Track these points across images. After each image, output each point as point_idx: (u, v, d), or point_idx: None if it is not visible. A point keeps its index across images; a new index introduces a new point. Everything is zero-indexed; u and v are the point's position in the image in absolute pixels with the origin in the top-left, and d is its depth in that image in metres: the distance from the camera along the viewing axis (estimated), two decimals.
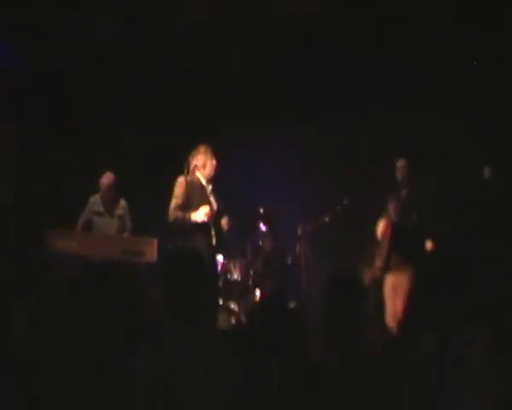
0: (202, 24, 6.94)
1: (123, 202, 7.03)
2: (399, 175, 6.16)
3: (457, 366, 2.54)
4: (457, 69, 6.92)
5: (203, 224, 5.77)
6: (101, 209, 6.96)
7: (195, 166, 5.98)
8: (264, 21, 6.87)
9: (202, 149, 6.00)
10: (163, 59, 7.31)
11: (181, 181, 5.90)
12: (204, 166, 5.98)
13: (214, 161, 5.99)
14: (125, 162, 7.75)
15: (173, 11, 6.84)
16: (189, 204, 5.86)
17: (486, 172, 6.26)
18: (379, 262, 6.11)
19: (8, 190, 8.13)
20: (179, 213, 5.81)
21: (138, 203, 7.38)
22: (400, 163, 6.17)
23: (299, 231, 6.56)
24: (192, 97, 7.66)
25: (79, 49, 7.04)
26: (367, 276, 6.56)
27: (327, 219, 6.59)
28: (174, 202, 5.86)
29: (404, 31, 6.66)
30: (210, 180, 6.04)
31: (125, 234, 6.99)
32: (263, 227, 6.56)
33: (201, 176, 6.02)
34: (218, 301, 6.00)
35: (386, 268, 5.99)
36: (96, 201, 7.01)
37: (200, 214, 5.77)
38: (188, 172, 5.86)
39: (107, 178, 6.90)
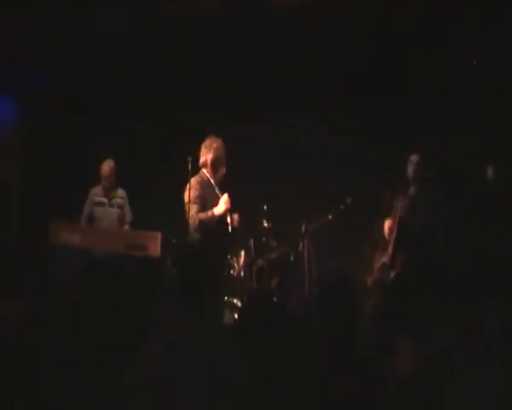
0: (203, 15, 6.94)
1: (122, 192, 7.13)
2: (411, 170, 6.12)
3: (454, 365, 2.53)
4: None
5: (223, 220, 5.80)
6: (102, 199, 7.05)
7: (204, 164, 5.96)
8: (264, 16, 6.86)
9: (216, 148, 5.94)
10: (165, 47, 7.31)
11: (194, 183, 5.84)
12: (214, 170, 5.95)
13: (224, 170, 5.99)
14: (130, 156, 7.77)
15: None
16: (205, 205, 5.86)
17: (492, 172, 6.25)
18: (385, 259, 6.10)
19: (10, 182, 8.16)
20: (202, 215, 5.77)
21: (142, 197, 7.41)
22: (414, 158, 6.14)
23: (303, 229, 6.55)
24: (196, 92, 7.67)
25: (79, 34, 7.06)
26: (369, 279, 6.55)
27: (330, 217, 6.59)
28: (194, 208, 5.78)
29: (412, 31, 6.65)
30: (218, 183, 6.05)
31: (126, 226, 7.04)
32: (266, 224, 6.54)
33: (209, 176, 5.99)
34: (222, 297, 6.01)
35: (391, 266, 5.98)
36: (96, 191, 7.09)
37: (220, 206, 5.79)
38: (192, 171, 5.84)
39: (107, 165, 7.01)
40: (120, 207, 7.11)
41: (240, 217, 6.05)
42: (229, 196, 5.88)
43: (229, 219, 5.97)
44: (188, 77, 7.51)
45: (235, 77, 7.46)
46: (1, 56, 7.19)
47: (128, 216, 7.14)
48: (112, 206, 7.08)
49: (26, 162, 8.38)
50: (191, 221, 5.76)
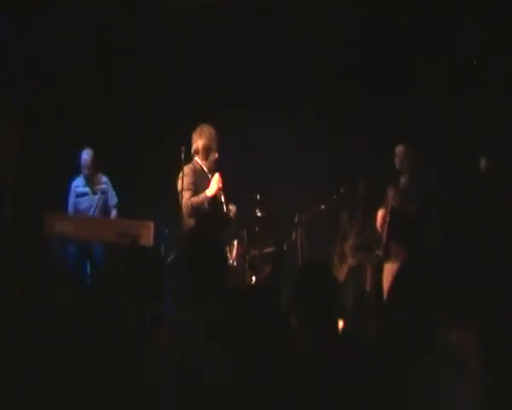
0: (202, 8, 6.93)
1: (104, 178, 7.10)
2: (398, 161, 6.13)
3: (439, 359, 2.54)
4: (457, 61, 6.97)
5: (217, 203, 5.71)
6: (84, 189, 7.02)
7: (196, 151, 5.87)
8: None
9: (207, 134, 5.85)
10: (162, 44, 7.30)
11: (187, 171, 5.73)
12: (206, 156, 5.84)
13: (217, 155, 5.87)
14: (125, 151, 7.78)
15: None
16: (198, 192, 5.71)
17: (484, 162, 6.28)
18: (379, 251, 6.14)
19: (5, 173, 8.14)
20: (194, 199, 5.62)
21: (135, 187, 7.41)
22: (399, 149, 6.14)
23: (296, 219, 6.58)
24: (191, 80, 7.66)
25: (79, 34, 7.05)
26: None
27: (323, 207, 6.62)
28: (187, 194, 5.65)
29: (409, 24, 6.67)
30: (211, 170, 5.92)
31: (113, 211, 7.04)
32: (259, 213, 6.56)
33: (202, 163, 5.89)
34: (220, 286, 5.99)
35: (386, 256, 5.99)
36: (77, 183, 7.06)
37: (212, 187, 5.66)
38: (185, 159, 5.77)
39: (86, 154, 6.98)
40: (104, 192, 7.09)
41: (236, 209, 6.02)
42: (221, 176, 5.75)
43: (224, 208, 5.95)
44: (186, 68, 7.51)
45: (234, 68, 7.47)
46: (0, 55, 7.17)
47: (112, 199, 7.12)
48: (95, 193, 7.06)
49: (23, 161, 8.35)
50: (184, 208, 5.63)
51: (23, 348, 2.70)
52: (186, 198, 5.64)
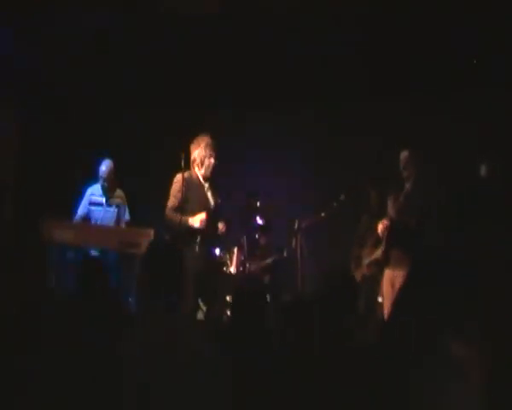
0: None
1: (121, 192, 7.01)
2: (401, 167, 6.11)
3: (443, 365, 2.53)
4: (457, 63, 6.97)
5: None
6: (100, 199, 6.93)
7: (194, 160, 5.93)
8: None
9: (203, 143, 5.91)
10: (162, 45, 7.30)
11: (178, 178, 5.81)
12: (202, 163, 5.92)
13: (213, 160, 5.92)
14: (125, 152, 7.77)
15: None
16: (186, 203, 5.79)
17: (484, 162, 6.27)
18: (378, 256, 6.12)
19: (5, 173, 8.14)
20: (175, 216, 5.73)
21: (136, 194, 7.39)
22: (403, 155, 6.12)
23: (296, 226, 6.55)
24: (191, 85, 7.67)
25: (79, 34, 7.04)
26: (357, 275, 6.59)
27: (323, 214, 6.58)
28: (171, 202, 5.79)
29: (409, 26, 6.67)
30: (207, 178, 5.99)
31: (123, 225, 6.97)
32: (259, 221, 6.55)
33: (199, 172, 5.95)
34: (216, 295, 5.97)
35: (385, 263, 5.97)
36: (93, 191, 6.97)
37: (196, 220, 5.72)
38: (184, 166, 5.78)
39: (105, 166, 6.88)
40: (118, 206, 7.00)
41: (226, 224, 5.99)
42: (208, 216, 5.79)
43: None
44: (186, 75, 7.52)
45: (234, 74, 7.47)
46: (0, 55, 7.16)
47: (125, 215, 7.04)
48: (110, 205, 6.96)
49: (23, 161, 8.34)
50: (166, 213, 5.80)
51: (23, 348, 2.69)
52: (168, 206, 5.79)
